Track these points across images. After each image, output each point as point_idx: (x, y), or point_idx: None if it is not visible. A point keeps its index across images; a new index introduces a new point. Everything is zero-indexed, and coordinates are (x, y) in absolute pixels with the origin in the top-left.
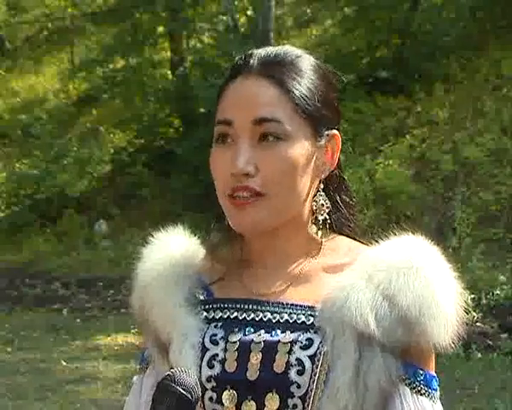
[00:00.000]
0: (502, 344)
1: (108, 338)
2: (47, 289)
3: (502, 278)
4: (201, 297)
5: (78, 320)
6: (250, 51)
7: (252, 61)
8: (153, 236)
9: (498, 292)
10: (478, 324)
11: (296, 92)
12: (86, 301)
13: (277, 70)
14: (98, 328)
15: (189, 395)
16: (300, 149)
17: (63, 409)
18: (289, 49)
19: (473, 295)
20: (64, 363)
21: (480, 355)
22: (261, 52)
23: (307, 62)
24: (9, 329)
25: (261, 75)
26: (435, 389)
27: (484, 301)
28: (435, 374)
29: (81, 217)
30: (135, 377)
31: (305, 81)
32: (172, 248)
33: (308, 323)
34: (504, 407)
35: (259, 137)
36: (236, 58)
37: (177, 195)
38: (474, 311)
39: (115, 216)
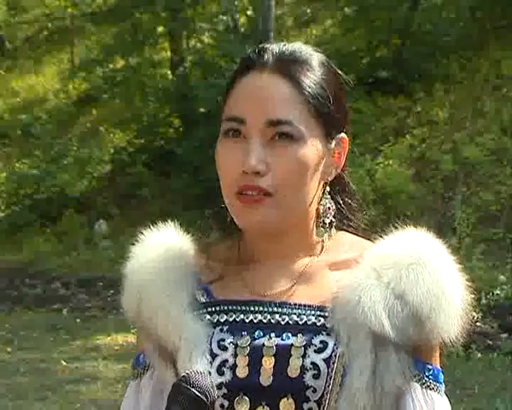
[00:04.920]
0: (502, 344)
1: (108, 338)
2: (47, 289)
3: (502, 278)
4: (203, 299)
5: (78, 320)
6: (263, 45)
7: (266, 55)
8: (143, 234)
9: (498, 292)
10: (478, 324)
11: (311, 91)
12: (86, 301)
13: (292, 67)
14: (98, 328)
15: (204, 398)
16: (312, 150)
17: (63, 409)
18: (303, 47)
19: (473, 295)
20: (64, 363)
21: (479, 355)
22: (275, 48)
23: (320, 61)
24: (9, 329)
25: (276, 71)
26: (441, 383)
27: (484, 301)
28: (440, 368)
29: (81, 217)
30: (132, 382)
31: (319, 80)
32: (167, 245)
33: (318, 324)
34: (504, 407)
35: (272, 136)
36: (249, 51)
37: (177, 195)
38: (474, 311)
39: (115, 216)
